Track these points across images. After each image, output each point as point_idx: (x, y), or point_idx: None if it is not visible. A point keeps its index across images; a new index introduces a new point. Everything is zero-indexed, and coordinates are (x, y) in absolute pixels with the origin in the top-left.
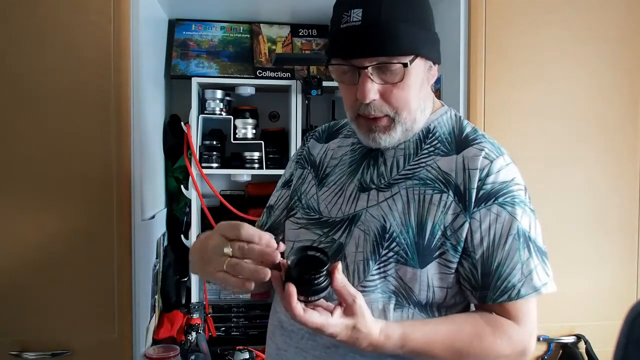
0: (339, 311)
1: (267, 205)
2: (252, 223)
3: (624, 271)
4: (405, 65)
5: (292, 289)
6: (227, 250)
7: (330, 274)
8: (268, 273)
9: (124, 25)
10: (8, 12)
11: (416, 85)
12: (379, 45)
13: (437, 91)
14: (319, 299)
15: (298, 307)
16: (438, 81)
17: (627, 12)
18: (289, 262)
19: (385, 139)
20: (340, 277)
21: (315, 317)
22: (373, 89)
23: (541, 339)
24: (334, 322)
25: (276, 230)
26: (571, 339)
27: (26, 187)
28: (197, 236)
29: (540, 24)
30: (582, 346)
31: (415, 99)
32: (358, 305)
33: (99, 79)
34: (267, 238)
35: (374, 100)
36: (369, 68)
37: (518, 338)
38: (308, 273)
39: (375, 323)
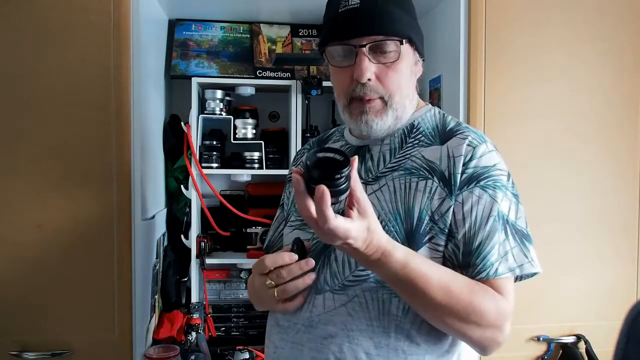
0: (356, 213)
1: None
2: (252, 223)
3: (624, 271)
4: (401, 42)
5: (325, 190)
6: (269, 282)
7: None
8: (313, 276)
9: (124, 25)
10: (8, 12)
11: (407, 71)
12: (377, 25)
13: (437, 91)
14: (340, 202)
15: (331, 211)
16: (438, 81)
17: (627, 12)
18: (307, 164)
19: (378, 122)
20: (356, 174)
21: (343, 221)
22: (370, 68)
23: (541, 339)
24: (356, 225)
25: (271, 249)
26: (571, 339)
27: (26, 187)
28: (247, 278)
29: (540, 23)
30: (582, 346)
31: (406, 84)
32: (369, 203)
33: (99, 79)
34: (289, 254)
35: (370, 80)
36: (367, 46)
37: (503, 306)
38: (331, 173)
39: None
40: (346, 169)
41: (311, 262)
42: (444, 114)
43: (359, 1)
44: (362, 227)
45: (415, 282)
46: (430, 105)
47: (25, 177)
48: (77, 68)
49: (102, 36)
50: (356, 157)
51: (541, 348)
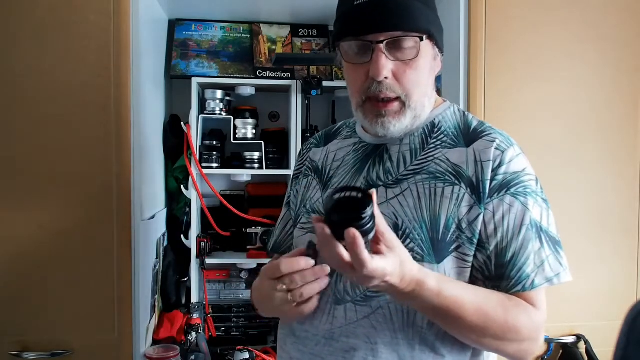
0: (384, 247)
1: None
2: (252, 223)
3: (624, 271)
4: (421, 39)
5: (357, 234)
6: (280, 286)
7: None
8: (327, 280)
9: (124, 25)
10: (8, 12)
11: (426, 68)
12: (395, 20)
13: (437, 90)
14: (369, 241)
15: (367, 253)
16: (438, 80)
17: (627, 12)
18: (327, 208)
19: (395, 124)
20: (378, 210)
21: (380, 260)
22: (387, 66)
23: None
24: (390, 260)
25: (278, 250)
26: (571, 339)
27: (26, 187)
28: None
29: (540, 23)
30: (582, 346)
31: (425, 82)
32: (394, 235)
33: (99, 79)
34: (305, 260)
35: (387, 79)
36: (384, 43)
37: (537, 319)
38: (356, 215)
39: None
40: (369, 207)
41: (327, 268)
42: (464, 112)
43: None
44: (395, 261)
45: (450, 308)
46: (448, 102)
47: (25, 177)
48: (77, 68)
49: (102, 36)
50: (374, 190)
51: (541, 348)
